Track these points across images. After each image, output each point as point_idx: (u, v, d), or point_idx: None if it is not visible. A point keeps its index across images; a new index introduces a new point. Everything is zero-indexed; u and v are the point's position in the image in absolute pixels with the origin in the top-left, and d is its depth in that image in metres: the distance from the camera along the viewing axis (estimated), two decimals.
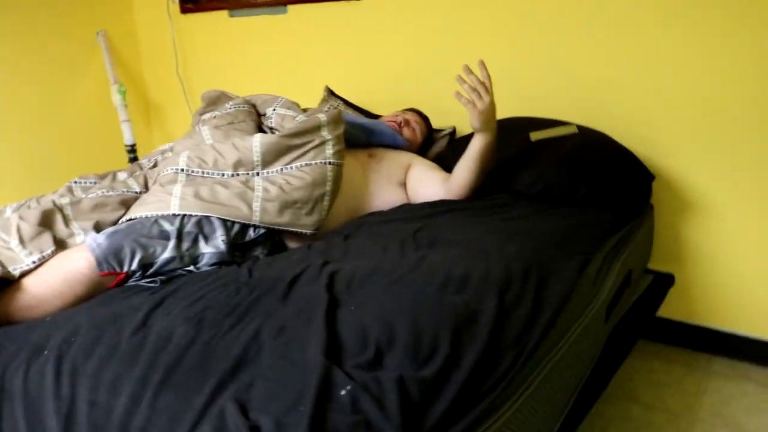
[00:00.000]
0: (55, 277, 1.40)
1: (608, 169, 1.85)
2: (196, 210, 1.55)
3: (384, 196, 1.94)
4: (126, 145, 3.18)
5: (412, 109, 2.34)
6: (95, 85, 3.26)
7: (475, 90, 1.73)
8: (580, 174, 1.79)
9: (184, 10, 3.19)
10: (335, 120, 1.82)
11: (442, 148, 2.33)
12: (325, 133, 1.78)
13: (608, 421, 1.90)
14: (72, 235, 1.54)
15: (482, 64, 1.74)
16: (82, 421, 0.98)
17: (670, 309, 2.30)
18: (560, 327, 1.37)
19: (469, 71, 1.72)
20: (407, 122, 2.23)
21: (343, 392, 0.96)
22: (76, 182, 1.82)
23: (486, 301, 1.26)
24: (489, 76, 1.73)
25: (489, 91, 1.73)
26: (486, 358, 1.12)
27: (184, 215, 1.55)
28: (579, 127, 2.04)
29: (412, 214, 1.77)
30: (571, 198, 1.78)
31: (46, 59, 3.05)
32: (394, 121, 2.21)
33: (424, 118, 2.32)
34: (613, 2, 2.12)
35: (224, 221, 1.57)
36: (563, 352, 1.36)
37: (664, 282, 2.21)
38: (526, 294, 1.32)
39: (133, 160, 3.18)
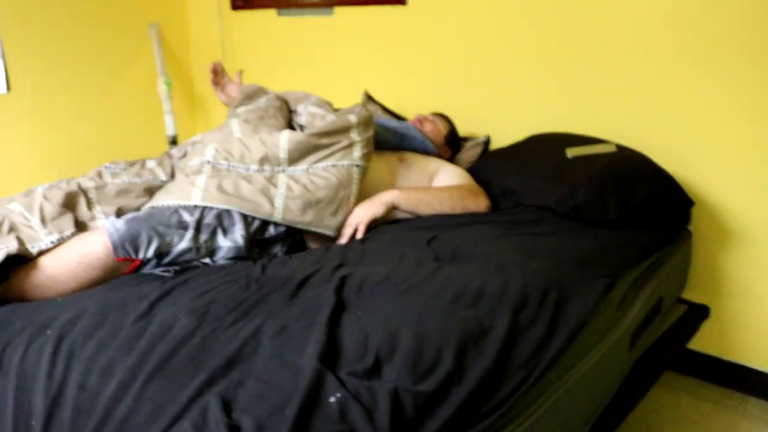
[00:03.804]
0: (72, 259, 1.40)
1: (642, 190, 1.77)
2: (218, 203, 1.54)
3: None
4: (168, 136, 3.21)
5: (434, 113, 2.31)
6: (143, 76, 3.30)
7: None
8: (612, 194, 1.72)
9: (235, 7, 3.22)
10: (365, 122, 1.79)
11: (475, 157, 2.28)
12: (354, 135, 1.75)
13: None
14: (93, 218, 1.55)
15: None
16: (67, 404, 0.97)
17: (704, 342, 2.20)
18: (576, 351, 1.31)
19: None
20: (425, 117, 2.22)
21: (332, 399, 0.93)
22: (106, 167, 1.84)
23: (499, 317, 1.21)
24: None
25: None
26: (491, 376, 1.07)
27: (205, 207, 1.54)
28: (618, 146, 1.97)
29: (435, 223, 1.72)
30: (601, 219, 1.71)
31: (98, 48, 3.10)
32: (416, 120, 2.21)
33: (445, 117, 2.30)
34: (658, 20, 2.05)
35: (244, 216, 1.56)
36: (578, 378, 1.30)
37: (699, 313, 2.11)
38: (543, 314, 1.27)
39: None
